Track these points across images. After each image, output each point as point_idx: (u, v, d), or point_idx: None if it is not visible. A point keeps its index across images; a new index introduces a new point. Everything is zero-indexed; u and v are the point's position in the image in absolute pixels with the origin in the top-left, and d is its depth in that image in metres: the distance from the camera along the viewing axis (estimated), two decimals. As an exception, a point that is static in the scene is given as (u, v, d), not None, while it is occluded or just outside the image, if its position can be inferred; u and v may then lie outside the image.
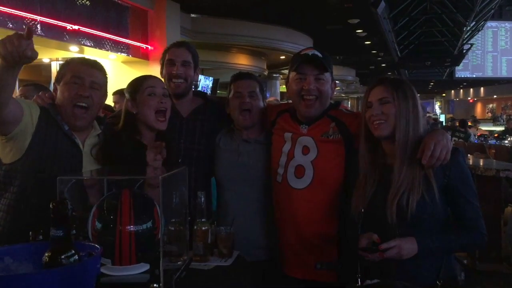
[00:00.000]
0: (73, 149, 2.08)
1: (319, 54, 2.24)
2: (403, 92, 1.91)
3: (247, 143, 2.48)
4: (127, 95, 2.28)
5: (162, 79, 2.53)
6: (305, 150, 2.26)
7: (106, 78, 2.19)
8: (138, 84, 2.24)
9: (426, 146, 1.81)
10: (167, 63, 2.57)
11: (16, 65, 1.66)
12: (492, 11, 16.17)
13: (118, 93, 4.79)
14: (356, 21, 11.13)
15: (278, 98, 12.53)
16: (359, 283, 1.72)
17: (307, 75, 2.22)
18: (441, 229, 1.88)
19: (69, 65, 2.12)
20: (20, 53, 1.56)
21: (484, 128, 17.02)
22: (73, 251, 1.25)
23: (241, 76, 2.52)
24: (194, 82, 2.65)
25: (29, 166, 1.99)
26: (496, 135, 13.51)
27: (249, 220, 2.41)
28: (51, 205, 1.23)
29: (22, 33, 1.56)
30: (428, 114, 20.82)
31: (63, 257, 1.22)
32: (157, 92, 2.22)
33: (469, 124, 16.63)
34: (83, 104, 2.05)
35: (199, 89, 9.29)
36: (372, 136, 1.96)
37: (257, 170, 2.44)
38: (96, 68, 2.14)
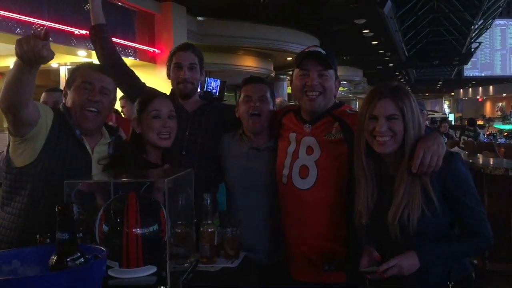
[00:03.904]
0: (83, 155, 2.10)
1: (323, 52, 2.23)
2: (410, 105, 1.81)
3: (255, 151, 2.46)
4: (135, 112, 2.28)
5: (170, 81, 2.60)
6: (309, 150, 2.25)
7: (114, 83, 2.24)
8: (144, 105, 2.23)
9: (416, 153, 1.76)
10: (174, 67, 2.61)
11: (33, 65, 1.68)
12: (500, 8, 16.11)
13: (125, 97, 4.81)
14: (362, 21, 11.10)
15: (286, 99, 12.51)
16: None
17: (310, 71, 2.20)
18: (447, 233, 1.84)
19: (79, 71, 2.17)
20: (36, 53, 1.58)
21: (495, 126, 16.87)
22: (79, 254, 1.26)
23: (251, 80, 2.50)
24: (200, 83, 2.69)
25: (41, 170, 2.01)
26: (505, 133, 13.40)
27: (257, 225, 2.40)
28: (56, 209, 1.25)
29: (39, 33, 1.58)
30: (435, 114, 20.67)
31: (69, 259, 1.23)
32: (162, 115, 2.20)
33: (481, 123, 16.52)
34: (93, 109, 2.09)
35: (205, 90, 9.30)
36: (371, 148, 1.88)
37: (266, 176, 2.42)
38: (105, 73, 2.19)
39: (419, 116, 1.85)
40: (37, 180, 2.01)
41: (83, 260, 1.26)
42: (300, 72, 2.25)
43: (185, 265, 1.90)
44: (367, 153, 1.90)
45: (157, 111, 2.18)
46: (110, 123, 2.85)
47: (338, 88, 2.34)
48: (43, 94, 3.80)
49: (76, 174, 2.03)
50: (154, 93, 2.30)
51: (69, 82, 2.16)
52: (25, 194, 2.02)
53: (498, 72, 22.67)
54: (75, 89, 2.11)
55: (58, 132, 2.05)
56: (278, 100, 6.24)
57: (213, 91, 11.09)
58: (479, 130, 11.84)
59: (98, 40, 2.58)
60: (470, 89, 32.43)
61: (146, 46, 8.19)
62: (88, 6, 2.61)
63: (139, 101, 2.27)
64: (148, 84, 2.75)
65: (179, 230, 1.94)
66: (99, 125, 2.18)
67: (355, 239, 2.08)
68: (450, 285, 1.80)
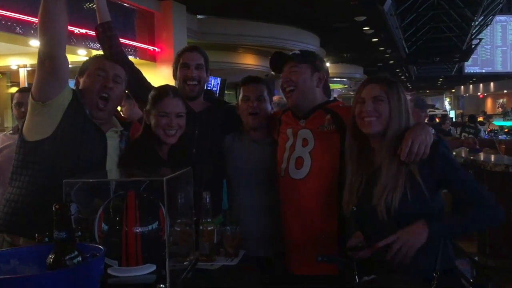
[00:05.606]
0: (99, 136, 2.13)
1: (298, 52, 2.44)
2: (396, 92, 1.92)
3: (256, 144, 2.56)
4: (148, 105, 2.31)
5: (170, 80, 2.65)
6: (305, 142, 2.35)
7: (126, 75, 2.28)
8: (155, 102, 2.27)
9: (404, 142, 1.83)
10: (181, 67, 2.66)
11: None
12: (501, 5, 16.04)
13: (125, 97, 4.81)
14: (362, 18, 11.07)
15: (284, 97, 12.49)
16: (357, 280, 1.73)
17: (284, 71, 2.43)
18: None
19: (93, 59, 2.25)
20: None
21: (494, 123, 16.85)
22: (77, 253, 1.26)
23: (250, 80, 2.63)
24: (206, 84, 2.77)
25: (58, 148, 2.02)
26: (506, 130, 13.39)
27: (256, 218, 2.47)
28: (53, 208, 1.25)
29: None
30: (436, 110, 20.65)
31: (66, 258, 1.24)
32: (170, 114, 2.24)
33: (481, 119, 16.51)
34: (105, 95, 2.12)
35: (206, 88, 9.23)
36: (359, 133, 1.98)
37: (264, 170, 2.50)
38: (118, 63, 2.26)
39: (408, 107, 1.94)
40: (52, 157, 2.02)
41: (80, 259, 1.26)
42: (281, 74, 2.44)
43: (185, 263, 1.90)
44: (356, 139, 2.00)
45: (166, 111, 2.23)
46: None
47: (323, 80, 2.43)
48: (16, 94, 3.48)
49: (92, 155, 2.09)
50: (166, 91, 2.29)
51: (81, 70, 2.20)
52: (38, 168, 2.02)
53: (498, 68, 22.58)
54: (88, 75, 2.15)
55: (74, 113, 2.07)
56: (275, 98, 6.23)
57: (214, 89, 11.08)
58: (480, 127, 11.83)
59: (106, 38, 2.62)
60: (471, 85, 32.37)
61: (146, 44, 8.18)
62: (88, 5, 2.63)
63: (151, 96, 2.32)
64: (147, 83, 2.77)
65: (179, 229, 1.94)
66: (110, 115, 2.22)
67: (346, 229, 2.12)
68: (436, 276, 1.81)
